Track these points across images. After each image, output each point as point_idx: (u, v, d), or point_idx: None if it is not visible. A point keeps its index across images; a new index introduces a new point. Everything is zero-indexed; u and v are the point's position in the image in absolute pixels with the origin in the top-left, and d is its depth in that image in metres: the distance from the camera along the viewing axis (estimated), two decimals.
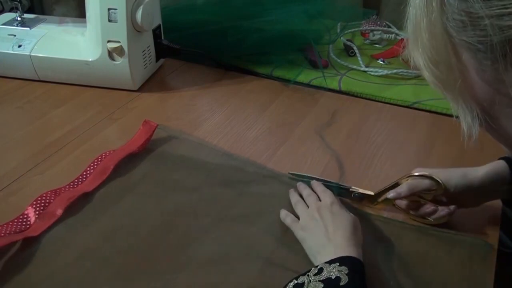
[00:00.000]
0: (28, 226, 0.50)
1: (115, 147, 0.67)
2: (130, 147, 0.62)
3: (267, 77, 0.85)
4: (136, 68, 0.78)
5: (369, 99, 0.79)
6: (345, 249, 0.44)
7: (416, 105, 0.76)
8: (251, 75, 0.86)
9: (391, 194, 0.51)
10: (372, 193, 0.54)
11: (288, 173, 0.58)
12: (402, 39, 0.92)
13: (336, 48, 0.95)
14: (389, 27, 1.00)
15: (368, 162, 0.63)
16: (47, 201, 0.52)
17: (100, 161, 0.59)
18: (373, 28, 0.98)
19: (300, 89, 0.82)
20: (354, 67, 0.88)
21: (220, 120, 0.73)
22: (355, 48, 0.92)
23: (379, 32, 0.97)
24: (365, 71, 0.86)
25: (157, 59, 0.85)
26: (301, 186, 0.55)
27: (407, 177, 0.51)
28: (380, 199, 0.53)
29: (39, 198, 0.52)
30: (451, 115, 0.74)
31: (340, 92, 0.81)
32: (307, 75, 0.84)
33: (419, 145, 0.67)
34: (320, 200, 0.51)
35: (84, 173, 0.58)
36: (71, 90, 0.80)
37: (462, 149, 0.65)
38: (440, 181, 0.49)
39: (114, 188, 0.56)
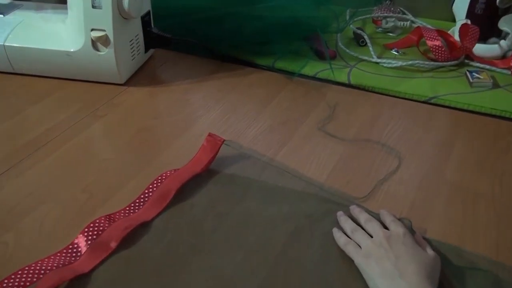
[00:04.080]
0: (78, 257, 0.49)
1: (103, 148, 0.66)
2: (194, 167, 0.59)
3: (269, 69, 0.85)
4: (122, 60, 0.78)
5: (381, 93, 0.79)
6: None
7: (433, 100, 0.76)
8: (251, 67, 0.86)
9: None
10: None
11: None
12: (418, 27, 0.91)
13: (345, 37, 0.94)
14: (404, 13, 1.00)
15: (380, 164, 0.63)
16: (100, 228, 0.51)
17: (160, 182, 0.57)
18: (386, 15, 0.98)
19: (305, 83, 0.82)
20: (365, 58, 0.87)
21: (216, 117, 0.72)
22: (366, 37, 0.92)
23: (393, 19, 0.97)
24: (377, 63, 0.86)
25: (146, 50, 0.85)
26: (356, 210, 0.52)
27: None
28: None
29: (92, 225, 0.51)
30: (473, 111, 0.74)
31: (349, 85, 0.81)
32: (312, 67, 0.84)
33: (437, 145, 0.67)
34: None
35: (142, 196, 0.56)
36: (50, 83, 0.79)
37: (486, 150, 0.65)
38: None
39: (174, 218, 0.54)
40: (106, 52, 0.75)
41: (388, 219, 0.50)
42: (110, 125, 0.70)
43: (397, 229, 0.48)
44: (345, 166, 0.62)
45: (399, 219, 0.51)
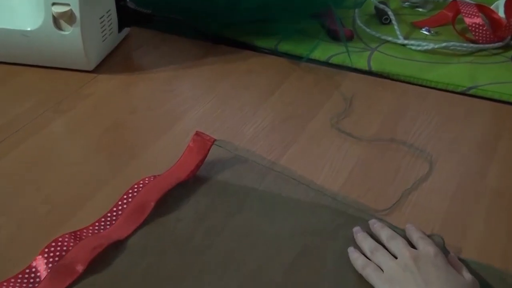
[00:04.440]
0: (36, 284, 0.48)
1: (68, 149, 0.66)
2: (178, 174, 0.59)
3: (271, 53, 0.85)
4: (91, 41, 0.78)
5: (408, 82, 0.79)
6: None
7: (472, 91, 0.76)
8: (249, 50, 0.86)
9: None
10: None
11: None
12: (454, 1, 0.91)
13: (364, 13, 0.95)
14: None
15: (407, 170, 0.63)
16: (64, 248, 0.51)
17: (136, 192, 0.57)
18: None
19: (315, 69, 0.82)
20: (389, 39, 0.88)
21: (206, 111, 0.72)
22: (390, 13, 0.92)
23: None
24: (403, 45, 0.86)
25: (120, 29, 0.85)
26: (377, 225, 0.53)
27: None
28: None
29: (53, 244, 0.51)
30: None
31: (369, 73, 0.81)
32: (324, 51, 0.84)
33: (476, 146, 0.67)
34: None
35: (115, 209, 0.56)
36: (1, 70, 0.79)
37: None
38: None
39: (154, 236, 0.53)
40: (70, 32, 0.75)
41: (415, 236, 0.51)
42: (76, 122, 0.70)
43: (426, 248, 0.48)
44: (364, 171, 0.62)
45: (429, 236, 0.51)
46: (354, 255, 0.50)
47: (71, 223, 0.55)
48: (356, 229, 0.53)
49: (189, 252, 0.52)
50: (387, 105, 0.74)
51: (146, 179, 0.59)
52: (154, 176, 0.59)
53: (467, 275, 0.47)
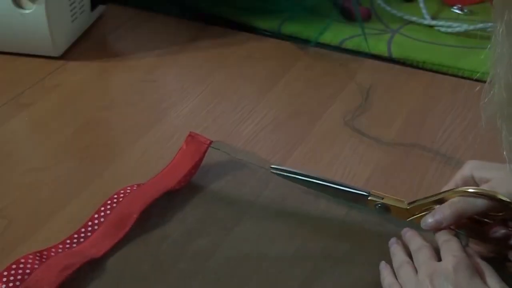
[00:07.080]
0: None
1: (29, 152, 0.66)
2: (166, 181, 0.59)
3: (273, 36, 0.86)
4: (58, 21, 0.78)
5: (437, 71, 0.79)
6: None
7: None
8: (247, 32, 0.86)
9: (428, 221, 0.53)
10: (404, 204, 0.55)
11: (270, 167, 0.60)
12: None
13: None
14: None
15: (436, 175, 0.62)
16: (27, 271, 0.50)
17: (115, 203, 0.57)
18: None
19: (326, 56, 0.82)
20: (414, 19, 0.88)
21: (197, 106, 0.72)
22: None
23: None
24: (431, 26, 0.87)
25: (93, 6, 0.85)
26: (408, 234, 0.54)
27: (456, 193, 0.53)
28: (418, 213, 0.55)
29: (14, 266, 0.50)
30: None
31: (390, 60, 0.81)
32: (337, 33, 0.84)
33: None
34: (438, 259, 0.50)
35: (90, 223, 0.56)
36: None
37: None
38: (509, 201, 0.50)
39: (136, 255, 0.53)
40: (33, 10, 0.75)
41: (440, 240, 0.52)
42: (40, 118, 0.70)
43: (446, 260, 0.49)
44: (384, 180, 0.62)
45: (456, 235, 0.52)
46: (383, 273, 0.52)
47: (33, 241, 0.54)
48: (392, 240, 0.54)
49: (175, 278, 0.52)
50: (411, 99, 0.74)
51: (128, 188, 0.58)
52: (138, 185, 0.59)
53: (493, 284, 0.47)
